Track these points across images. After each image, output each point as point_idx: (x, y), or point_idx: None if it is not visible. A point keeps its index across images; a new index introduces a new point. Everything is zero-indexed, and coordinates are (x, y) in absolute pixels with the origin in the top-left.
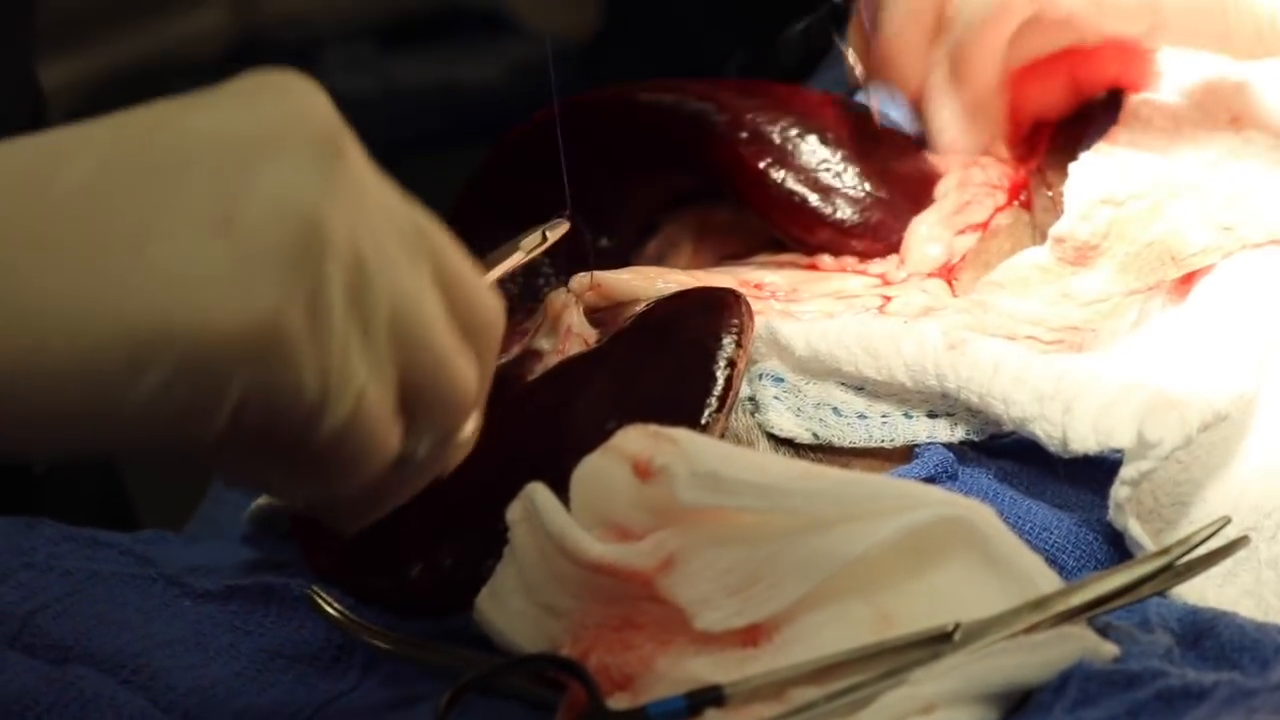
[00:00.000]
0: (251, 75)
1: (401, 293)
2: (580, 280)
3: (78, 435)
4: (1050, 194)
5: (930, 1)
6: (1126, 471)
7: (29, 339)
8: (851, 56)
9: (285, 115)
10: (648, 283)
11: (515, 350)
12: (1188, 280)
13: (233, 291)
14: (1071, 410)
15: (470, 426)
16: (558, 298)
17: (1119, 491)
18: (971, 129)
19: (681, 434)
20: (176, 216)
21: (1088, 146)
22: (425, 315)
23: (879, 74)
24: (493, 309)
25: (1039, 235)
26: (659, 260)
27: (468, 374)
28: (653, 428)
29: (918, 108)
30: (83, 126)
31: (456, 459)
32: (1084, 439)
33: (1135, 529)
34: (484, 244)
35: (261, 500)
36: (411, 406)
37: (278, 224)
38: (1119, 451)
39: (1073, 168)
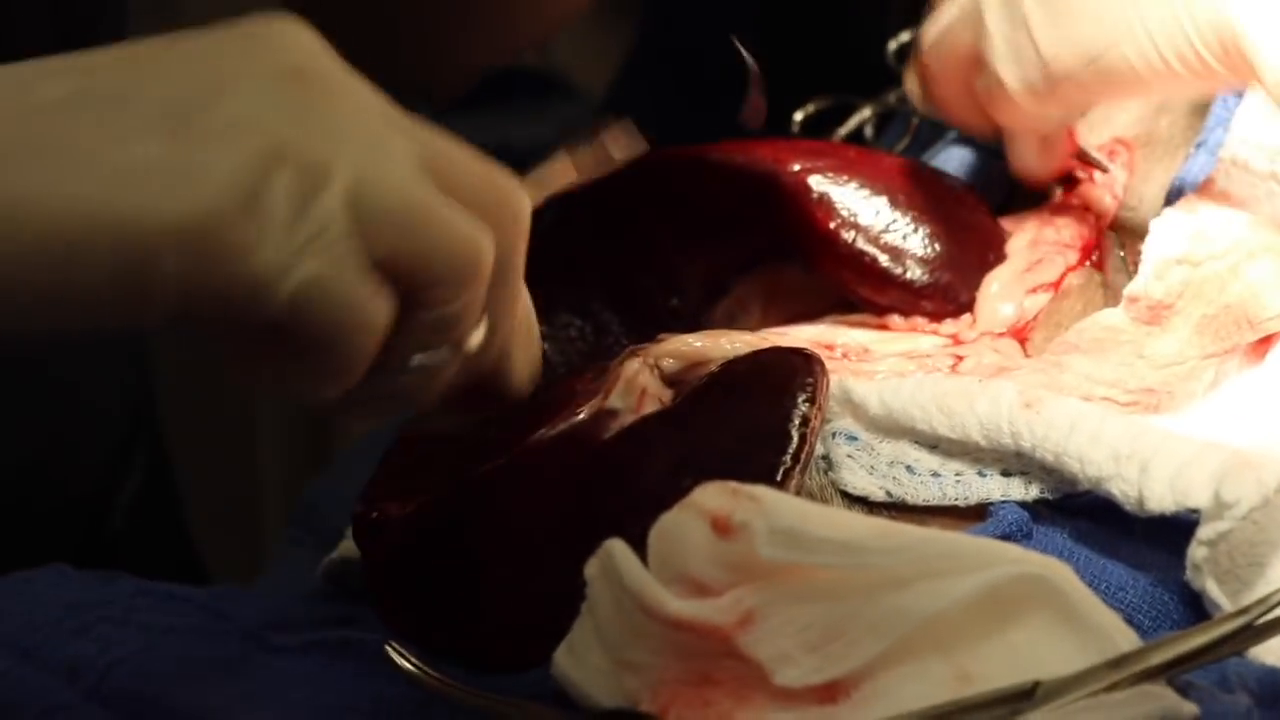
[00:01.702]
0: (246, 18)
1: (370, 180)
2: (656, 348)
3: (40, 314)
4: (1123, 254)
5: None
6: (1204, 532)
7: None
8: (912, 82)
9: (260, 48)
10: (717, 345)
11: (588, 410)
12: (1265, 343)
13: (170, 188)
14: (1148, 470)
15: (478, 336)
16: (631, 365)
17: (1196, 552)
18: (1044, 156)
19: (761, 491)
20: (134, 126)
21: (1171, 201)
22: (403, 197)
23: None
24: (503, 187)
25: (1111, 296)
26: (729, 321)
27: (469, 244)
28: (732, 484)
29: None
30: (80, 54)
31: (473, 367)
32: (1160, 499)
33: (1213, 589)
34: (548, 303)
35: (335, 555)
36: (408, 283)
37: (224, 136)
38: (1195, 511)
39: (1153, 224)
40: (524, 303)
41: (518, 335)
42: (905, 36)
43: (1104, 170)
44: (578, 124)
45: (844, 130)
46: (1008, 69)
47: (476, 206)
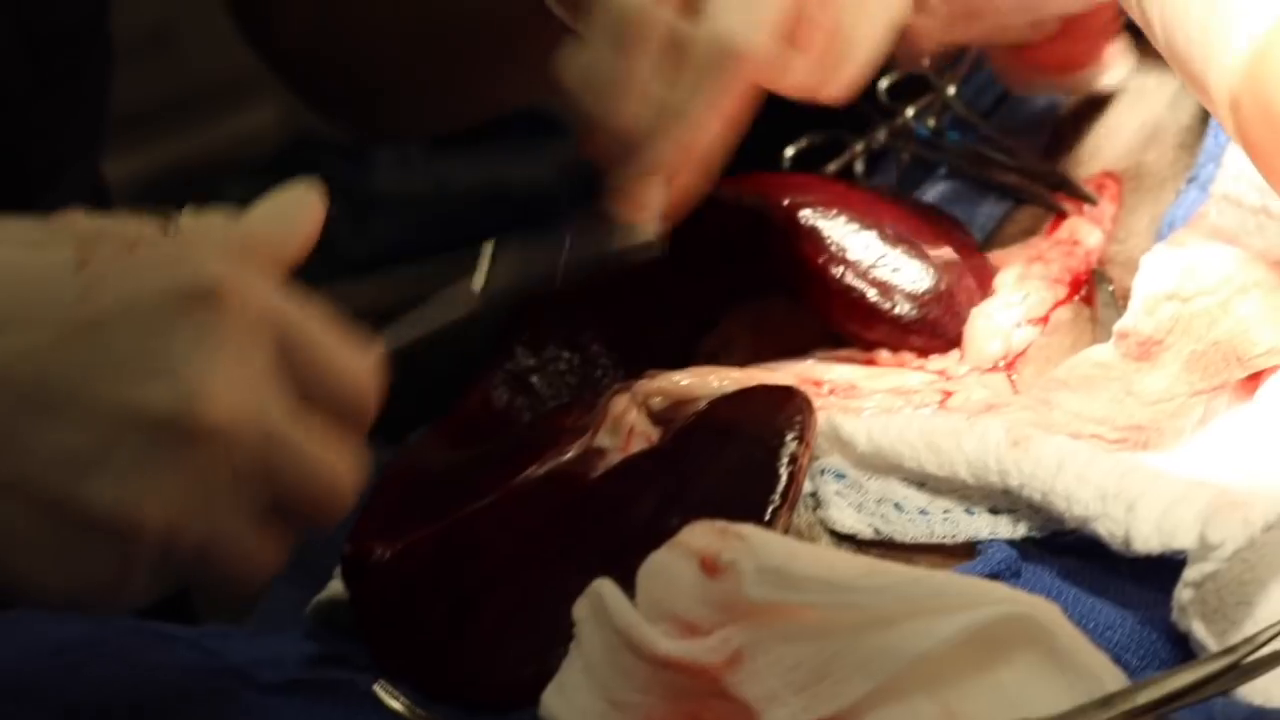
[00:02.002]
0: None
1: (264, 440)
2: (643, 386)
3: None
4: (1112, 289)
5: None
6: (1190, 573)
7: None
8: None
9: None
10: (704, 383)
11: (576, 448)
12: (1254, 379)
13: None
14: (1135, 510)
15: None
16: (619, 403)
17: (1182, 594)
18: None
19: (748, 530)
20: None
21: (1161, 236)
22: (291, 460)
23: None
24: (369, 407)
25: (1100, 331)
26: (718, 354)
27: (339, 482)
28: (719, 524)
29: None
30: None
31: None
32: (1147, 539)
33: (1199, 631)
34: (537, 336)
35: (324, 594)
36: (281, 514)
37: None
38: (1183, 552)
39: (1143, 259)
40: None
41: None
42: (895, 74)
43: (1092, 203)
44: (574, 163)
45: (834, 166)
46: None
47: (335, 412)
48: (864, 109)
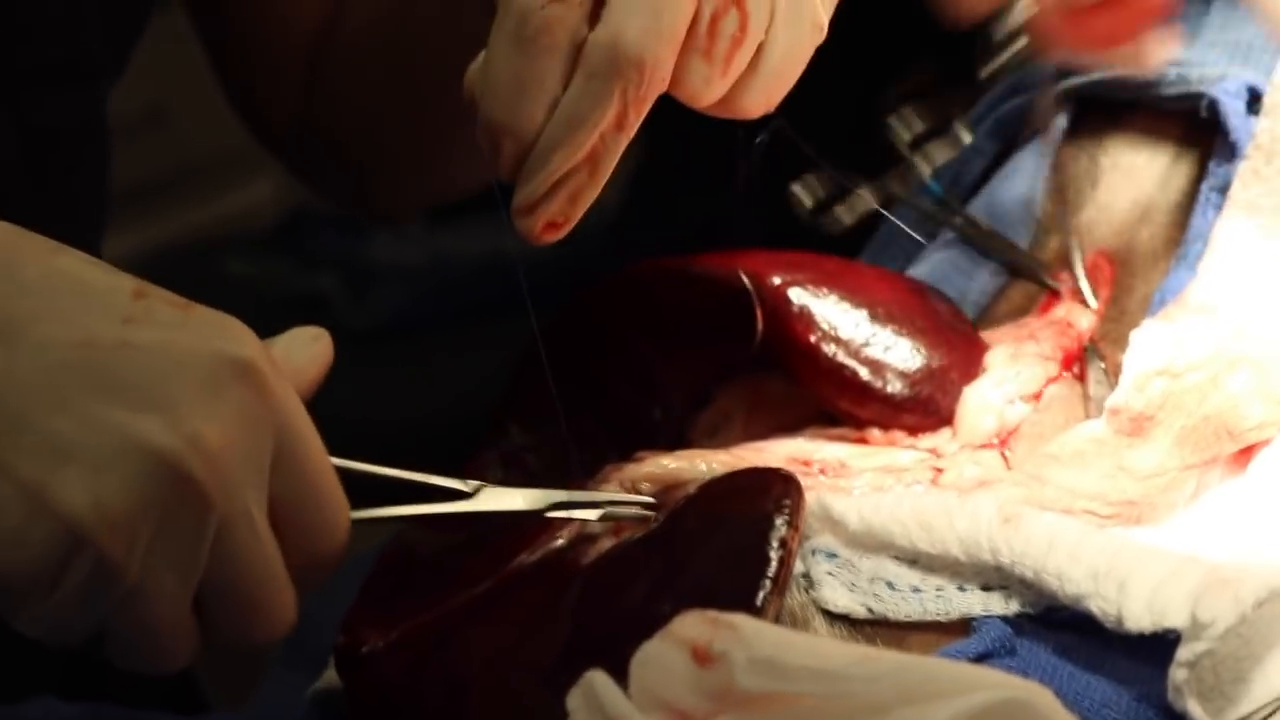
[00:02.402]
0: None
1: (232, 517)
2: (631, 471)
3: None
4: (1104, 365)
5: None
6: (1183, 653)
7: None
8: None
9: (185, 354)
10: (693, 466)
11: (566, 535)
12: (1246, 453)
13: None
14: (1125, 588)
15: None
16: (609, 488)
17: (1176, 674)
18: None
19: (739, 620)
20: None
21: (1152, 313)
22: (244, 546)
23: None
24: (332, 556)
25: (1093, 407)
26: (712, 431)
27: (276, 600)
28: (710, 614)
29: None
30: None
31: None
32: (1138, 618)
33: (1195, 711)
34: (533, 414)
35: (321, 684)
36: (210, 609)
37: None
38: (1175, 630)
39: (1133, 336)
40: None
41: None
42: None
43: (1091, 309)
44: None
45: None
46: None
47: (304, 556)
48: (880, 153)
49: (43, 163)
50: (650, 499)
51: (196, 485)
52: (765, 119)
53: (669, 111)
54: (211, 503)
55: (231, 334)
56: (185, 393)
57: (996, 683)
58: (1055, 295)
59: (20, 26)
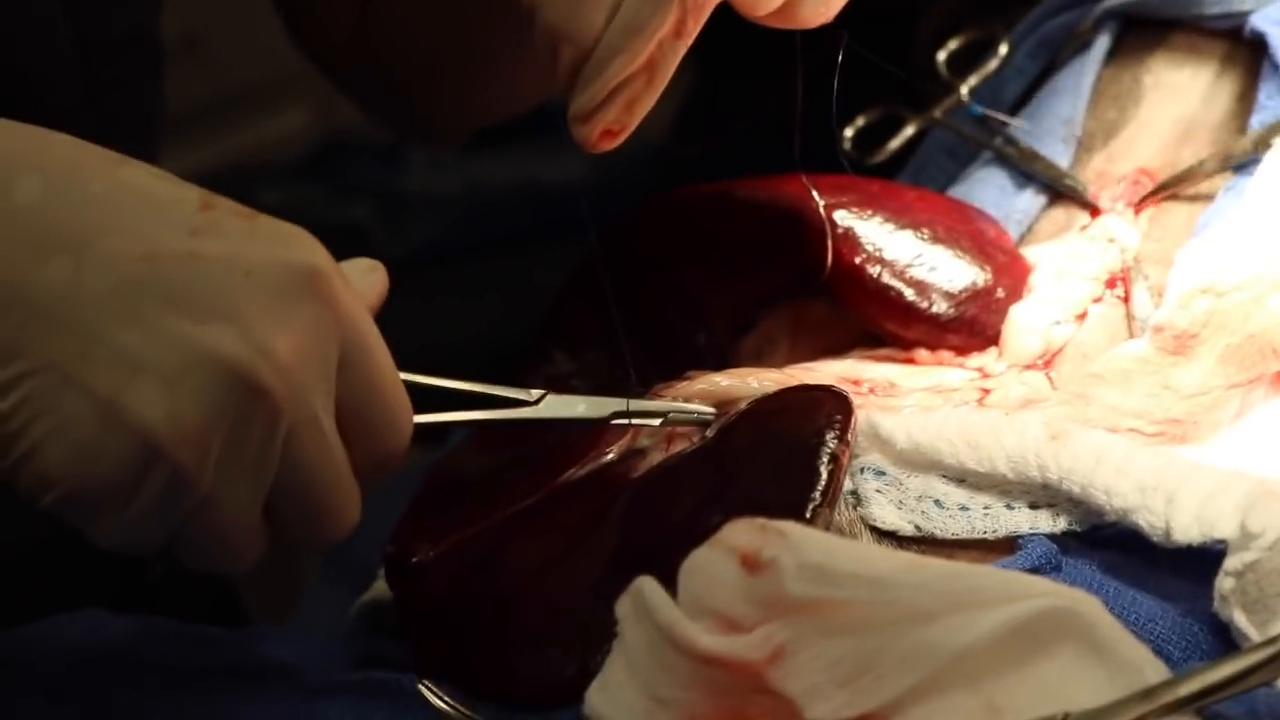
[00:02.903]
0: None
1: (300, 422)
2: (684, 388)
3: None
4: (1148, 284)
5: None
6: (1230, 563)
7: None
8: None
9: (253, 263)
10: (744, 384)
11: (617, 449)
12: None
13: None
14: (1174, 501)
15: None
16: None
17: (1223, 583)
18: None
19: (789, 527)
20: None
21: (1199, 231)
22: (313, 450)
23: None
24: (395, 456)
25: (1136, 327)
26: (756, 355)
27: (343, 502)
28: (760, 521)
29: None
30: None
31: None
32: (1187, 530)
33: (1241, 620)
34: (577, 340)
35: (368, 595)
36: (279, 512)
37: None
38: (1222, 542)
39: (1178, 255)
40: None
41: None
42: (954, 44)
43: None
44: (607, 161)
45: (894, 145)
46: None
47: (368, 457)
48: (921, 83)
49: (100, 76)
50: (710, 409)
51: (267, 394)
52: (821, 31)
53: (723, 30)
54: (281, 411)
55: (299, 243)
56: (253, 303)
57: (1044, 591)
58: (1097, 214)
59: None
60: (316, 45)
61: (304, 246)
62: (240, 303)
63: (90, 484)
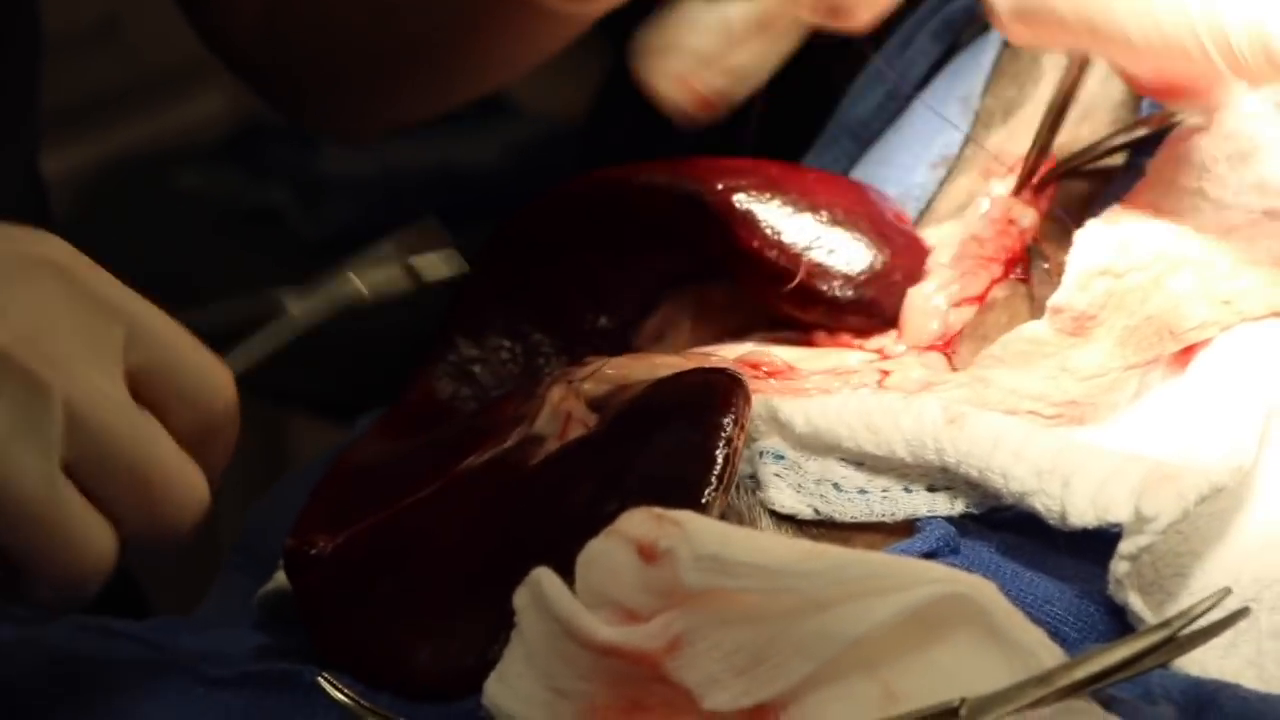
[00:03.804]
0: None
1: (77, 393)
2: (579, 373)
3: None
4: (1047, 266)
5: None
6: (1125, 546)
7: None
8: None
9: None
10: (641, 367)
11: (515, 436)
12: (1187, 353)
13: None
14: (1070, 485)
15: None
16: (557, 390)
17: (1118, 567)
18: None
19: (684, 516)
20: None
21: (1095, 213)
22: (101, 415)
23: None
24: (221, 415)
25: (1036, 308)
26: (658, 338)
27: (170, 476)
28: (656, 510)
29: None
30: None
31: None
32: (1082, 514)
33: (1136, 603)
34: (479, 326)
35: (270, 586)
36: (111, 499)
37: None
38: (1119, 525)
39: (1077, 236)
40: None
41: None
42: None
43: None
44: (523, 144)
45: None
46: None
47: (191, 423)
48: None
49: None
50: None
51: (19, 366)
52: None
53: (640, 10)
54: (43, 381)
55: (32, 237)
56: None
57: (939, 577)
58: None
59: None
60: (219, 39)
61: (39, 239)
62: None
63: None
